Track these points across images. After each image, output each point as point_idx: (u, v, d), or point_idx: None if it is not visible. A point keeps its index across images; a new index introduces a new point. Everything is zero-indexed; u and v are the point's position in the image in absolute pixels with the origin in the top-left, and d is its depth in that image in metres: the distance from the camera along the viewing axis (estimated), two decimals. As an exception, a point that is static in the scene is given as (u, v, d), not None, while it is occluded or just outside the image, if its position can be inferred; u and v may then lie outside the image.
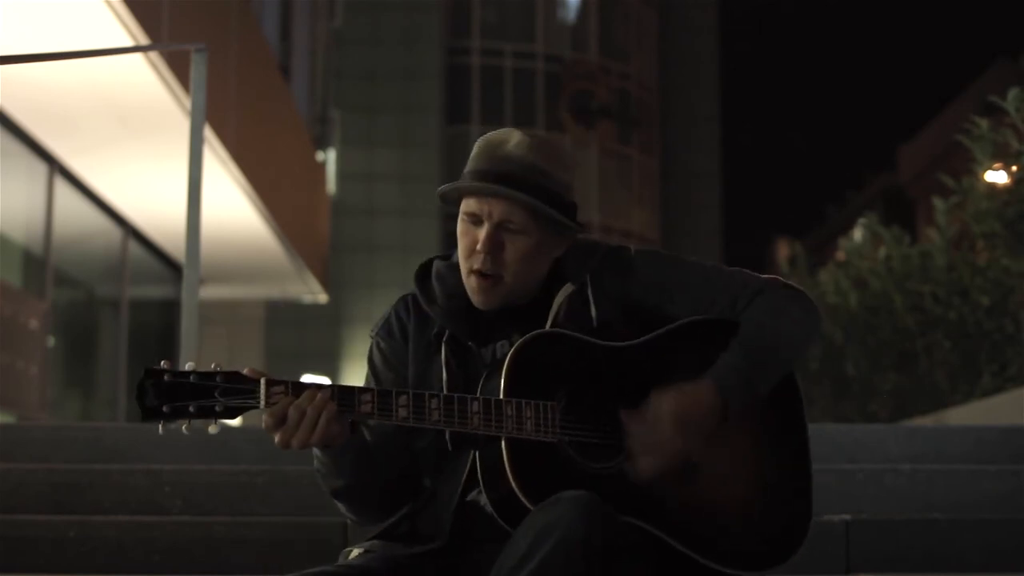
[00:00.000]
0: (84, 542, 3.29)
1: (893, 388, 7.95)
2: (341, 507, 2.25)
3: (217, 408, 1.98)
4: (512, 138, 2.19)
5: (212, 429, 2.01)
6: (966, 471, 3.80)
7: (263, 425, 2.02)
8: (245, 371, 2.01)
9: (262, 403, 1.99)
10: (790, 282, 2.29)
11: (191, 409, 1.97)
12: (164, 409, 1.97)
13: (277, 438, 2.01)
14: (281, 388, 2.00)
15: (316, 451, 2.12)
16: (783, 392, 2.23)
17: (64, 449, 4.07)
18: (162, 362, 2.00)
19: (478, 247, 2.16)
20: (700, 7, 36.13)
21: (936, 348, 7.40)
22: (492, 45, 31.87)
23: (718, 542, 2.12)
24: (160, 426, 1.99)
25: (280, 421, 2.00)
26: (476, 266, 2.16)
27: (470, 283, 2.19)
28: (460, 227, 2.21)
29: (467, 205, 2.18)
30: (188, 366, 1.99)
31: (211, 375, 1.99)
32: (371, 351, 2.30)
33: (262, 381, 1.99)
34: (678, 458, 2.09)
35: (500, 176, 2.14)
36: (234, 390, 1.99)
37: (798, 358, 2.25)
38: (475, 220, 2.18)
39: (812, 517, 2.20)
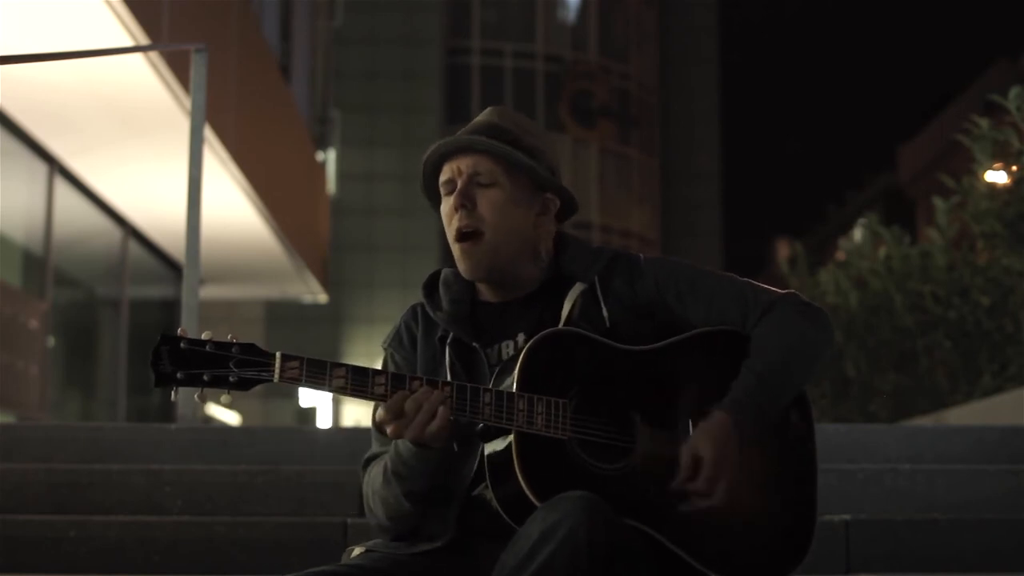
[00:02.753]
0: (84, 542, 3.29)
1: (893, 388, 7.94)
2: (400, 509, 2.17)
3: (231, 378, 1.98)
4: (478, 115, 2.30)
5: (224, 399, 2.01)
6: (966, 471, 3.80)
7: (377, 419, 2.04)
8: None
9: (276, 377, 2.00)
10: (802, 296, 2.28)
11: (205, 377, 1.97)
12: (178, 376, 1.97)
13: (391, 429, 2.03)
14: (296, 363, 2.00)
15: (409, 448, 2.09)
16: (791, 403, 2.22)
17: (64, 449, 4.07)
18: (179, 329, 2.02)
19: (452, 203, 2.21)
20: (700, 7, 36.14)
21: (936, 348, 7.40)
22: (492, 45, 31.89)
23: (720, 550, 2.12)
24: (173, 392, 2.00)
25: (398, 414, 2.02)
26: (455, 226, 2.21)
27: (456, 253, 2.23)
28: (443, 207, 2.27)
29: (442, 176, 2.26)
30: (205, 335, 2.00)
31: (227, 345, 1.99)
32: (385, 363, 2.31)
33: (277, 355, 2.00)
34: (724, 501, 2.09)
35: (459, 139, 2.23)
36: (249, 362, 1.99)
37: (810, 375, 2.24)
38: (451, 186, 2.24)
39: (816, 530, 2.20)
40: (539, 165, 2.24)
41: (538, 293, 2.27)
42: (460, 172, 2.22)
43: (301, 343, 25.92)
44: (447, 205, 2.24)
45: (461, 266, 2.23)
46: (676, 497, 2.08)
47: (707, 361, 2.20)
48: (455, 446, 2.15)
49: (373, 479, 2.22)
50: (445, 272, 2.32)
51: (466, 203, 2.20)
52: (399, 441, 2.11)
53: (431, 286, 2.32)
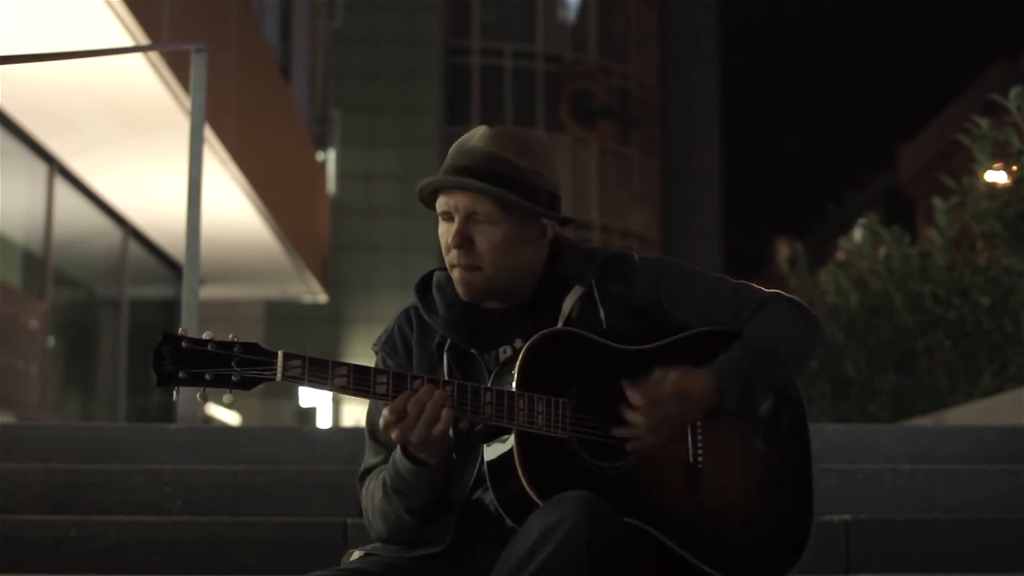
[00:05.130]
0: (84, 542, 3.29)
1: (893, 388, 7.94)
2: (401, 524, 2.17)
3: (233, 378, 1.97)
4: (476, 133, 2.23)
5: (226, 399, 2.01)
6: (966, 471, 3.80)
7: (382, 422, 2.02)
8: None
9: (279, 376, 1.99)
10: (794, 297, 2.29)
11: (207, 377, 1.96)
12: (180, 375, 1.96)
13: (395, 434, 2.03)
14: (298, 362, 1.99)
15: (407, 466, 2.09)
16: (785, 400, 2.24)
17: (64, 449, 4.07)
18: (180, 329, 2.00)
19: (450, 240, 2.19)
20: (700, 7, 36.14)
21: (936, 348, 7.39)
22: (492, 45, 31.89)
23: (719, 549, 2.13)
24: (175, 392, 1.99)
25: (400, 416, 2.01)
26: (451, 260, 2.20)
27: (454, 276, 2.21)
28: (439, 227, 2.24)
29: (439, 204, 2.22)
30: (206, 335, 1.99)
31: (229, 345, 1.98)
32: (376, 366, 2.28)
33: (280, 353, 1.99)
34: (667, 426, 2.10)
35: (460, 169, 2.18)
36: (251, 361, 1.98)
37: (798, 369, 2.25)
38: (448, 216, 2.21)
39: (813, 528, 2.21)
40: (539, 193, 2.20)
41: (535, 298, 2.26)
42: (457, 209, 2.18)
43: (301, 343, 25.92)
44: (443, 233, 2.22)
45: (459, 289, 2.22)
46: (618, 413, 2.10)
47: (703, 360, 2.20)
48: (454, 455, 2.14)
49: (372, 494, 2.21)
50: (438, 275, 2.30)
51: (463, 243, 2.17)
52: (397, 458, 2.11)
53: (424, 288, 2.30)
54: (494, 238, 2.18)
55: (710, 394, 2.12)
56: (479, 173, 2.16)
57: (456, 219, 2.19)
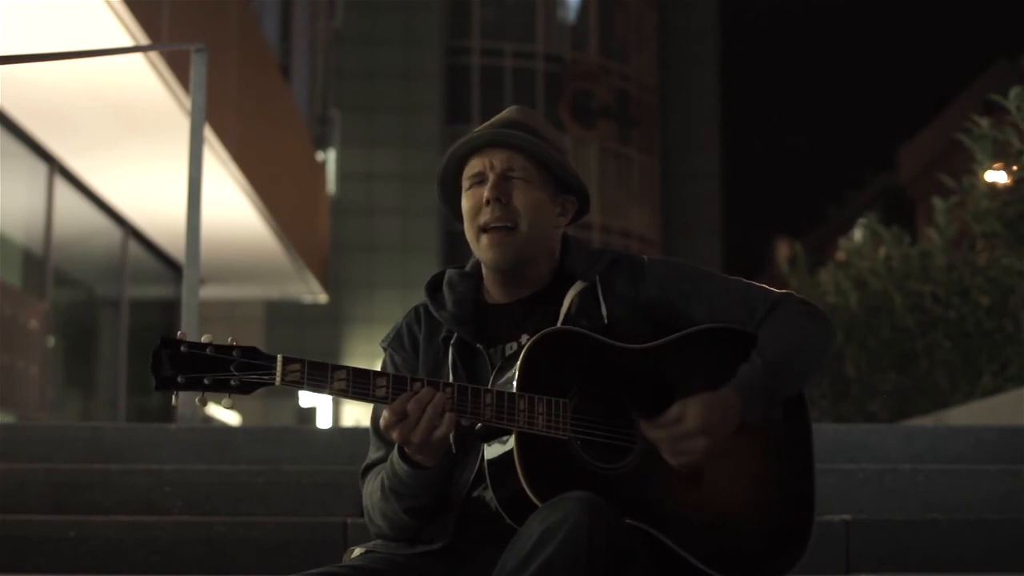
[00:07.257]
0: (84, 542, 3.29)
1: (893, 388, 7.94)
2: (401, 523, 2.18)
3: (232, 382, 1.96)
4: (505, 111, 2.29)
5: (225, 403, 2.00)
6: (966, 471, 3.80)
7: (382, 423, 2.01)
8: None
9: (278, 380, 1.98)
10: (805, 298, 2.29)
11: (206, 381, 1.95)
12: (179, 379, 1.95)
13: (396, 434, 2.02)
14: (297, 366, 1.98)
15: (404, 468, 2.09)
16: (789, 401, 2.22)
17: (64, 449, 4.07)
18: (178, 332, 2.00)
19: (485, 195, 2.19)
20: (700, 7, 36.16)
21: (936, 348, 7.39)
22: (492, 45, 31.90)
23: (720, 549, 2.12)
24: (174, 396, 1.98)
25: (401, 416, 2.01)
26: (485, 219, 2.19)
27: (483, 242, 2.21)
28: (465, 199, 2.24)
29: (469, 168, 2.23)
30: (205, 338, 1.98)
31: (228, 349, 1.98)
32: (384, 363, 2.30)
33: (279, 358, 1.99)
34: (702, 458, 2.08)
35: (497, 130, 2.22)
36: (250, 365, 1.97)
37: (813, 373, 2.24)
38: (479, 179, 2.22)
39: (813, 529, 2.20)
40: (568, 167, 2.25)
41: (541, 293, 2.26)
42: (493, 166, 2.20)
43: (301, 343, 25.94)
44: (473, 198, 2.22)
45: (487, 255, 2.21)
46: (648, 434, 2.08)
47: (707, 358, 2.20)
48: (453, 448, 2.15)
49: (372, 493, 2.21)
50: (449, 273, 2.31)
51: (501, 197, 2.18)
52: (395, 460, 2.10)
53: (434, 287, 2.31)
54: (531, 195, 2.20)
55: (735, 415, 2.10)
56: (517, 131, 2.21)
57: (491, 177, 2.20)
